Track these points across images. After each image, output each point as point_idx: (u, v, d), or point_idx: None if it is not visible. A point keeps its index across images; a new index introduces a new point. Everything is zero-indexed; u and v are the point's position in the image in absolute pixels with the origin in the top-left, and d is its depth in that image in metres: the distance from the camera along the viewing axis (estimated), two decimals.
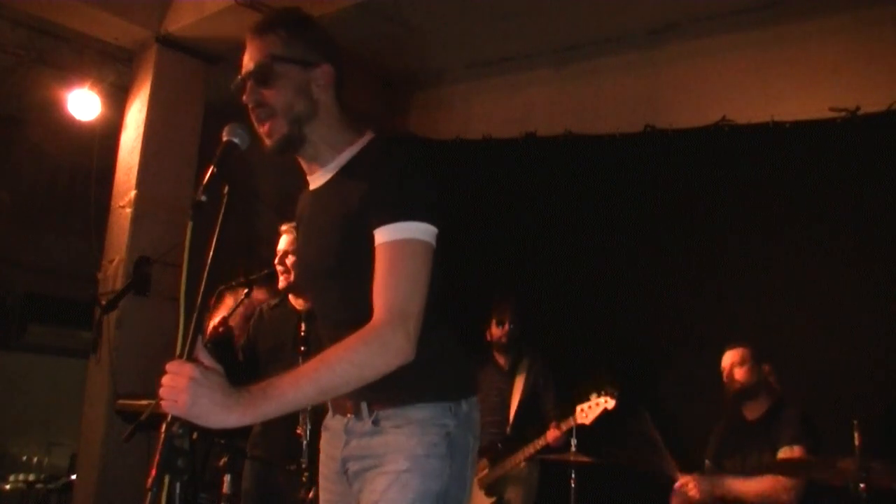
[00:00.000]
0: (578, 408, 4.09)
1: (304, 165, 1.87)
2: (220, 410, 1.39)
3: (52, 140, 6.09)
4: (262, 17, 1.82)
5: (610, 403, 4.02)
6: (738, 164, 4.71)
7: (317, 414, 3.10)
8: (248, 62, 1.77)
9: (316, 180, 1.86)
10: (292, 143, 1.77)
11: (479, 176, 5.77)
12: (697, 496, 3.49)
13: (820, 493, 3.36)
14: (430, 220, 1.66)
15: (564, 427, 4.13)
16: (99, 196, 5.62)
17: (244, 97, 1.76)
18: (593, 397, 4.07)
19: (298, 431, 3.15)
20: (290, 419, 3.13)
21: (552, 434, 4.20)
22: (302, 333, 3.22)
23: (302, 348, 3.17)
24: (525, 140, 5.65)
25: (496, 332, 4.67)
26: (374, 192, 1.68)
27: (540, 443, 4.26)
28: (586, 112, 5.49)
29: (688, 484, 3.53)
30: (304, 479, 3.24)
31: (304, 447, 3.13)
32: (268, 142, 1.76)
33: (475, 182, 5.72)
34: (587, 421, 4.05)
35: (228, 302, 3.57)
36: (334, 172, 1.81)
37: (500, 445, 4.44)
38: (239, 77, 1.77)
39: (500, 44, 5.77)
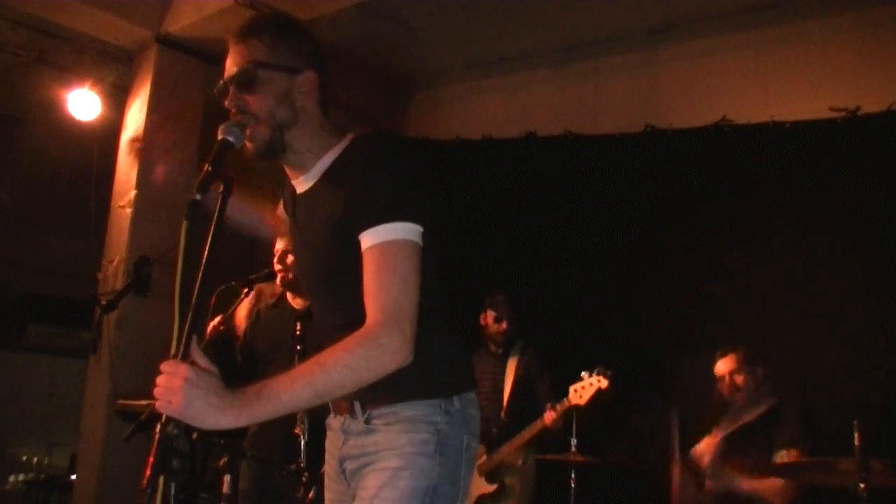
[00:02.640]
0: (572, 388, 4.04)
1: (289, 172, 1.87)
2: (213, 412, 1.39)
3: (52, 140, 6.09)
4: (246, 21, 1.79)
5: (603, 383, 3.96)
6: (738, 164, 4.71)
7: (314, 413, 3.09)
8: (230, 67, 1.75)
9: (301, 185, 1.85)
10: (274, 149, 1.76)
11: (479, 176, 5.77)
12: (706, 464, 3.50)
13: (820, 493, 3.36)
14: (414, 219, 1.65)
15: (560, 409, 4.11)
16: (99, 196, 5.62)
17: (226, 102, 1.75)
18: (585, 376, 4.02)
19: (296, 431, 3.14)
20: (287, 419, 3.13)
21: (549, 416, 4.15)
22: (298, 332, 3.21)
23: (298, 347, 3.17)
24: (525, 140, 5.64)
25: (493, 327, 4.65)
26: (356, 195, 1.67)
27: (537, 426, 4.22)
28: (586, 112, 5.49)
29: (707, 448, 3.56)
30: (304, 479, 3.24)
31: (301, 447, 3.12)
32: (249, 146, 1.74)
33: (475, 182, 5.71)
34: (582, 402, 3.99)
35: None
36: (317, 179, 1.80)
37: (494, 431, 4.43)
38: (221, 81, 1.76)
39: (500, 44, 5.76)
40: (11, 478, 5.75)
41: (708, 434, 3.81)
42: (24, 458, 6.35)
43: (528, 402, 4.50)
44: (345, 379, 1.52)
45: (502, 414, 4.51)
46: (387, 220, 1.63)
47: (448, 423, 1.74)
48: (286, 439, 3.15)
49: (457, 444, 1.76)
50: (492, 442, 4.40)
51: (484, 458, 4.39)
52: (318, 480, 2.87)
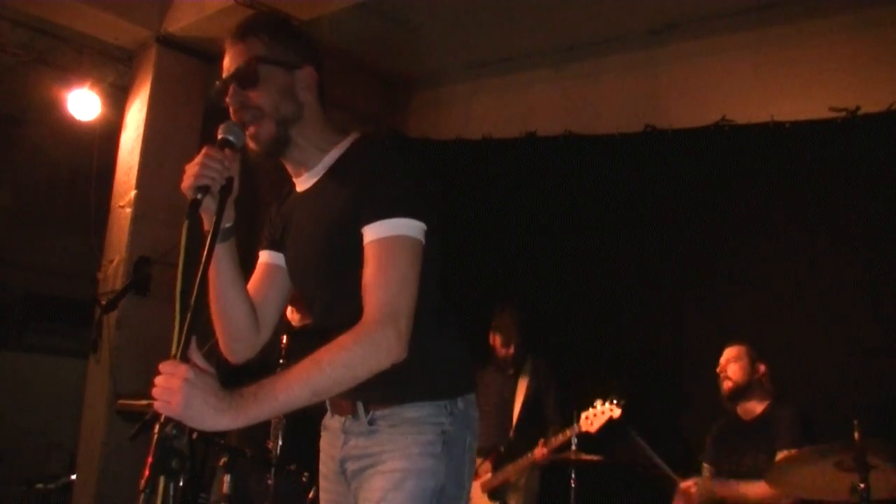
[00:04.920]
0: (583, 415, 4.05)
1: (291, 169, 1.87)
2: (212, 413, 1.38)
3: (52, 140, 6.09)
4: (243, 20, 1.81)
5: (616, 412, 3.97)
6: (738, 164, 4.70)
7: (296, 422, 3.11)
8: (230, 65, 1.76)
9: (303, 183, 1.85)
10: (280, 146, 1.77)
11: (479, 176, 5.77)
12: (698, 499, 3.50)
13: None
14: (417, 216, 1.65)
15: (568, 435, 4.11)
16: (99, 196, 5.62)
17: (227, 99, 1.75)
18: (598, 405, 4.02)
19: (269, 445, 3.16)
20: (262, 432, 3.16)
21: (539, 452, 4.21)
22: (283, 345, 3.22)
23: (281, 361, 3.18)
24: (525, 140, 5.64)
25: (501, 351, 4.61)
26: (360, 191, 1.67)
27: (529, 459, 4.25)
28: (586, 112, 5.48)
29: (689, 489, 3.56)
30: (303, 479, 3.25)
31: (273, 461, 3.14)
32: (254, 145, 1.75)
33: (475, 182, 5.71)
34: (592, 429, 4.01)
35: None
36: (322, 174, 1.81)
37: (501, 449, 4.43)
38: (219, 81, 1.76)
39: (500, 44, 5.76)
40: (11, 478, 5.75)
41: (705, 436, 3.81)
42: (24, 458, 6.35)
43: (537, 421, 4.49)
44: (341, 376, 1.52)
45: (511, 432, 4.50)
46: (391, 216, 1.63)
47: (453, 424, 1.74)
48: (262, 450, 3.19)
49: (461, 444, 1.76)
50: (498, 460, 4.40)
51: (489, 475, 4.39)
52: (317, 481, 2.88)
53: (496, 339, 4.63)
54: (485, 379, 4.64)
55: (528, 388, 4.57)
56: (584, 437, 4.06)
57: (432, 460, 1.69)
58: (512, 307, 4.67)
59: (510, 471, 4.34)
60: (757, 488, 3.36)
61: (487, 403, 4.56)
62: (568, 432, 4.11)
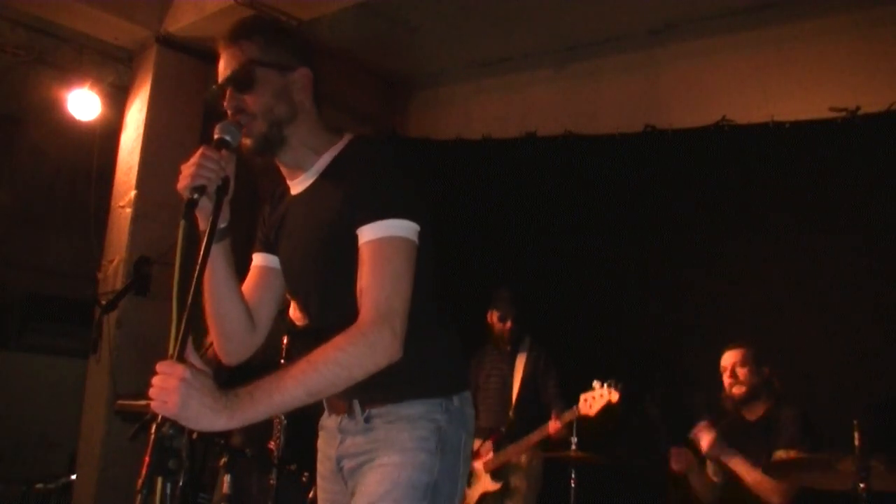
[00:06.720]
0: (582, 397, 4.06)
1: (285, 171, 1.88)
2: (209, 413, 1.38)
3: (52, 140, 6.08)
4: (236, 24, 1.81)
5: (614, 396, 3.97)
6: (738, 164, 4.70)
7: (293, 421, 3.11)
8: (225, 69, 1.77)
9: (297, 185, 1.86)
10: (271, 144, 1.77)
11: (479, 176, 5.77)
12: (706, 449, 3.46)
13: (820, 493, 3.35)
14: (412, 217, 1.66)
15: (567, 418, 4.11)
16: (99, 196, 5.62)
17: (224, 103, 1.76)
18: (597, 387, 4.03)
19: (270, 446, 3.17)
20: (265, 432, 3.16)
21: (553, 426, 4.19)
22: (284, 346, 3.23)
23: (282, 361, 3.18)
24: (525, 140, 5.64)
25: (498, 326, 4.68)
26: (355, 192, 1.68)
27: (541, 433, 4.25)
28: (586, 112, 5.48)
29: (702, 431, 3.50)
30: (303, 479, 3.26)
31: (274, 461, 3.14)
32: (246, 141, 1.75)
33: (475, 182, 5.71)
34: (591, 412, 4.00)
35: None
36: (316, 177, 1.82)
37: (502, 430, 4.44)
38: (215, 86, 1.77)
39: (500, 44, 5.76)
40: (11, 478, 5.75)
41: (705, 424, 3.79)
42: (24, 458, 6.35)
43: (536, 400, 4.51)
44: (336, 377, 1.52)
45: (510, 412, 4.51)
46: (385, 217, 1.64)
47: (448, 422, 1.75)
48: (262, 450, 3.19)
49: (456, 441, 1.77)
50: (499, 440, 4.40)
51: (490, 455, 4.39)
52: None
53: (493, 315, 4.68)
54: (484, 361, 4.67)
55: (526, 368, 4.59)
56: (587, 434, 4.06)
57: (427, 455, 1.70)
58: (510, 288, 4.74)
59: (512, 451, 4.35)
60: (756, 476, 3.35)
61: (488, 385, 4.60)
62: (566, 415, 4.11)
